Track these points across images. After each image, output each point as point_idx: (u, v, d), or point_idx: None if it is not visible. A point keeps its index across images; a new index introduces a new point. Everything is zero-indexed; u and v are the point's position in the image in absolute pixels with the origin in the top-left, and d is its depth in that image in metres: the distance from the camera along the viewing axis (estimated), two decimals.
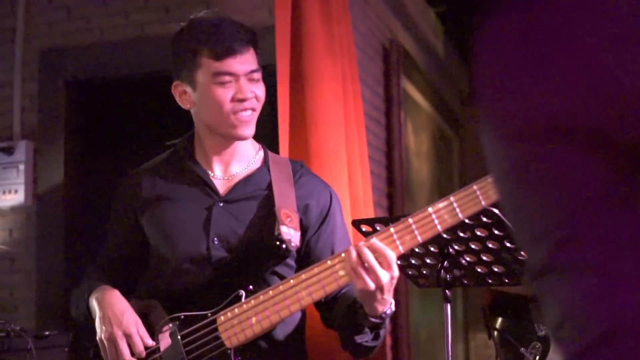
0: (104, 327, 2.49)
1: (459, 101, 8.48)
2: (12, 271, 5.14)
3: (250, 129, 2.63)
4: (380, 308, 2.35)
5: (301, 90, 3.70)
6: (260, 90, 2.62)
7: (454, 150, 8.24)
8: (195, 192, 2.66)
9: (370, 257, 2.26)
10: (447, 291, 3.18)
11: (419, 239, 2.34)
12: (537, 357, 3.28)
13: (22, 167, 5.13)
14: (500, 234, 2.85)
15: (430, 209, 2.31)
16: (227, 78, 2.56)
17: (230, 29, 2.59)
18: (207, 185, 2.65)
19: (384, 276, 2.27)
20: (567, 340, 0.99)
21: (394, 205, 5.34)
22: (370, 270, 2.26)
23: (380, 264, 2.27)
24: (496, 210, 2.71)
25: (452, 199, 2.30)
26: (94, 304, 2.58)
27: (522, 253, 2.93)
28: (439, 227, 2.31)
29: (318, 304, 2.62)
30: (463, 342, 8.26)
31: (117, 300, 2.55)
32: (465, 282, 3.24)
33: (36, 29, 5.31)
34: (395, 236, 2.33)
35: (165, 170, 2.74)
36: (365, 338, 2.48)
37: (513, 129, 1.00)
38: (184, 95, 2.65)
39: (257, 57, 2.64)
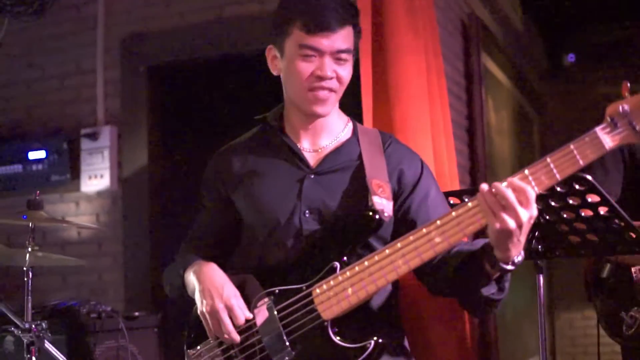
0: (204, 301, 2.49)
1: (538, 78, 8.36)
2: (100, 254, 5.25)
3: (325, 108, 2.58)
4: (514, 252, 2.23)
5: (384, 65, 3.66)
6: (345, 71, 2.56)
7: (534, 128, 8.13)
8: (286, 165, 2.64)
9: (510, 194, 2.15)
10: (538, 262, 3.14)
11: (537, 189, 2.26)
12: (637, 322, 3.22)
13: (106, 152, 5.22)
14: (594, 201, 2.78)
15: (527, 171, 2.25)
16: (311, 52, 2.51)
17: (331, 4, 2.52)
18: (297, 158, 2.63)
19: (524, 215, 2.16)
20: None
21: (477, 182, 5.28)
22: (509, 209, 2.15)
23: (520, 203, 2.17)
24: (589, 177, 2.65)
25: (548, 159, 2.23)
26: (191, 277, 2.58)
27: (617, 221, 2.87)
28: (536, 188, 2.24)
29: (423, 272, 2.57)
30: (548, 322, 8.16)
31: (215, 273, 2.54)
32: (557, 253, 3.18)
33: (116, 15, 5.40)
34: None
35: (255, 145, 2.72)
36: (491, 290, 2.38)
37: None
38: (275, 60, 2.64)
39: (353, 37, 2.57)
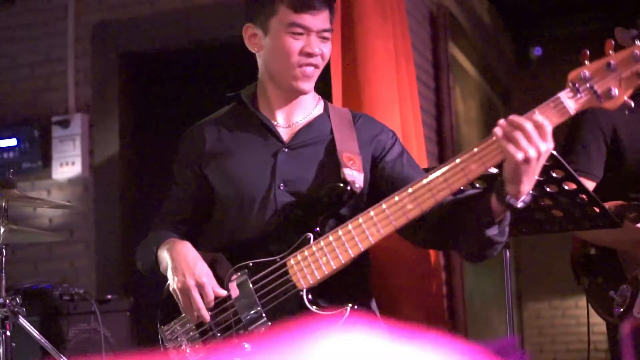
0: (176, 277, 2.51)
1: (505, 70, 8.44)
2: (71, 242, 5.26)
3: (310, 84, 2.67)
4: (527, 187, 2.27)
5: (353, 47, 3.72)
6: (327, 49, 2.66)
7: (501, 119, 8.18)
8: (260, 140, 2.69)
9: (528, 124, 2.20)
10: None
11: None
12: (628, 300, 3.24)
13: (78, 139, 5.25)
14: (559, 176, 2.85)
15: (494, 137, 2.30)
16: (300, 30, 2.59)
17: None
18: (270, 133, 2.69)
19: (542, 145, 2.21)
20: None
21: None
22: (530, 139, 2.20)
23: (538, 134, 2.21)
24: (554, 152, 2.70)
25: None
26: (164, 255, 2.60)
27: (582, 197, 2.94)
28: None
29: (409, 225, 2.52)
30: (516, 312, 8.23)
31: (188, 251, 2.57)
32: (524, 230, 3.25)
33: (87, 3, 5.42)
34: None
35: (228, 121, 2.76)
36: (494, 231, 2.38)
37: None
38: (254, 38, 2.69)
39: (330, 18, 2.67)
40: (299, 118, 2.72)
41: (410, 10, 4.87)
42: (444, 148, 5.44)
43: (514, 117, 2.24)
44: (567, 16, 7.96)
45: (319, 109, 2.77)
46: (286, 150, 2.65)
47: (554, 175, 2.84)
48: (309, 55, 2.60)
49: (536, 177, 2.29)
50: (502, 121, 2.25)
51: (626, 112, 2.36)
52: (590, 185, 3.40)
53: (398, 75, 3.86)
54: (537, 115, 2.23)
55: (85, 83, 5.36)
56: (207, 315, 2.50)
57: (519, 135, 2.21)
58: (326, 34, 2.63)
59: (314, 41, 2.60)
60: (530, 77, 8.52)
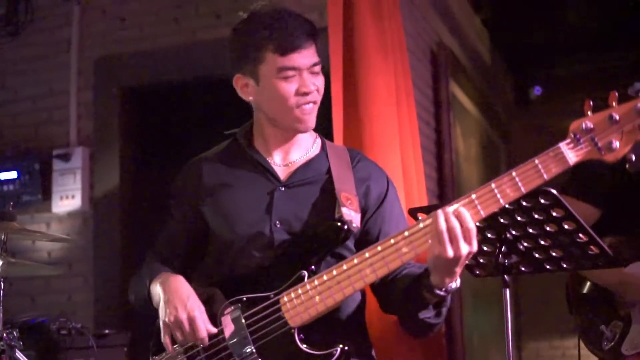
0: (168, 311, 2.51)
1: (505, 108, 8.47)
2: (70, 276, 5.24)
3: (312, 122, 2.67)
4: (448, 280, 2.36)
5: (354, 86, 3.73)
6: (320, 82, 2.66)
7: (501, 158, 8.22)
8: (256, 177, 2.70)
9: (456, 226, 2.28)
10: (505, 277, 3.18)
11: (482, 213, 2.35)
12: (617, 336, 3.23)
13: (78, 173, 5.26)
14: (559, 215, 2.84)
15: (493, 184, 2.33)
16: (291, 73, 2.59)
17: (294, 22, 2.61)
18: (267, 171, 2.69)
19: (464, 249, 2.29)
20: None
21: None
22: (453, 240, 2.28)
23: (463, 237, 2.29)
24: (554, 191, 2.71)
25: (513, 173, 2.31)
26: (157, 289, 2.60)
27: (581, 236, 2.93)
28: (501, 201, 2.32)
29: (377, 289, 2.66)
30: (515, 350, 8.17)
31: (181, 285, 2.57)
32: (523, 268, 3.23)
33: (90, 38, 5.46)
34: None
35: (225, 158, 2.78)
36: (428, 314, 2.49)
37: None
38: (246, 88, 2.69)
39: (317, 49, 2.67)
40: (296, 156, 2.73)
41: (411, 48, 4.89)
42: (444, 186, 5.45)
43: (447, 213, 2.30)
44: (567, 56, 8.00)
45: (316, 148, 2.78)
46: (282, 188, 2.67)
47: (554, 214, 2.84)
48: (306, 94, 2.61)
49: (457, 273, 2.36)
50: (438, 212, 2.31)
51: (627, 166, 2.35)
52: (592, 211, 3.38)
53: (399, 112, 3.86)
54: (465, 213, 2.29)
55: (87, 117, 5.38)
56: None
57: (444, 234, 2.28)
58: (316, 68, 2.64)
59: (307, 79, 2.60)
60: (530, 116, 8.55)
